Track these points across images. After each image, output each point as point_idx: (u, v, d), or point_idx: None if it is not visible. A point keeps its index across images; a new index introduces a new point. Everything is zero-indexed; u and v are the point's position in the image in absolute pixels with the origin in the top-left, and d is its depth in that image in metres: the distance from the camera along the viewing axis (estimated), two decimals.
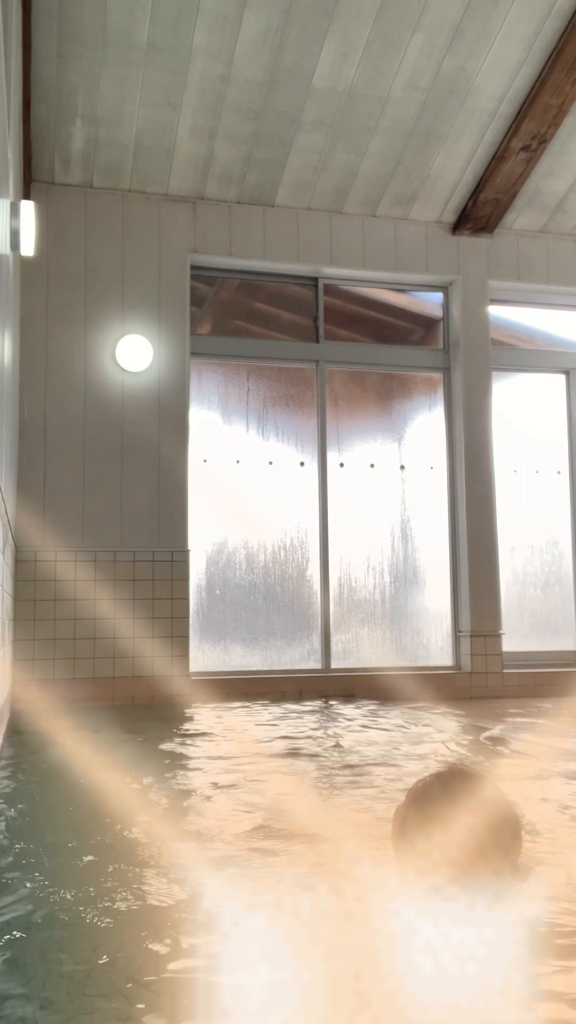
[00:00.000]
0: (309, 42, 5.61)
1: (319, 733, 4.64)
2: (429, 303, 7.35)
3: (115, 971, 1.55)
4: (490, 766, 3.66)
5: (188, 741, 4.41)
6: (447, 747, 4.18)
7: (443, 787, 2.00)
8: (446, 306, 7.24)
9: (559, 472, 7.47)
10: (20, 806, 2.91)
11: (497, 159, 6.47)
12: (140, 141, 6.12)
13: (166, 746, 4.22)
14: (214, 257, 6.67)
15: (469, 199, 6.85)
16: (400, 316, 7.49)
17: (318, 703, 6.00)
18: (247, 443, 6.85)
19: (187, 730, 4.77)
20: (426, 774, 2.12)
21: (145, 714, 5.46)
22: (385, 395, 7.22)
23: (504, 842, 1.96)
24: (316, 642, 6.75)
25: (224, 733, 4.69)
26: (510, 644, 6.99)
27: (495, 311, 7.29)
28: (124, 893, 1.97)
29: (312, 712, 5.54)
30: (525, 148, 6.36)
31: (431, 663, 6.93)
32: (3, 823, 2.67)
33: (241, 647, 6.65)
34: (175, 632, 6.20)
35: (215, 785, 3.24)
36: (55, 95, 5.74)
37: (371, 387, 7.19)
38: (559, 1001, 1.43)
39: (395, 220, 6.98)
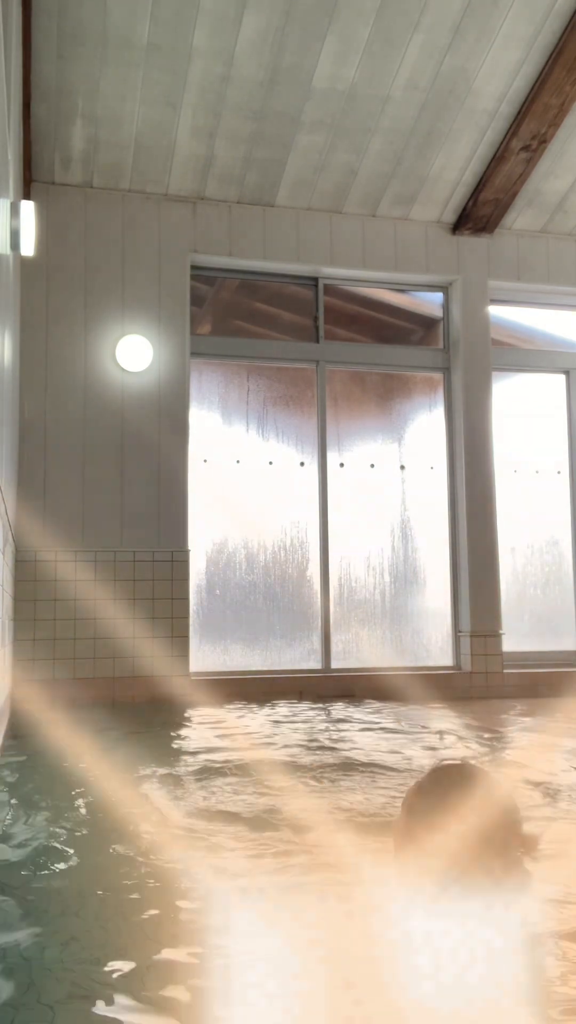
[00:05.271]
0: (309, 42, 5.61)
1: (318, 732, 4.64)
2: (429, 303, 7.35)
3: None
4: (491, 764, 3.66)
5: (188, 741, 4.41)
6: (445, 742, 4.18)
7: (440, 785, 2.00)
8: (446, 306, 7.24)
9: (559, 472, 7.47)
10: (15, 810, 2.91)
11: (497, 159, 6.47)
12: (140, 141, 6.12)
13: (165, 746, 4.22)
14: (214, 257, 6.67)
15: (469, 199, 6.85)
16: (400, 316, 7.49)
17: (318, 703, 5.99)
18: (247, 443, 6.85)
19: (186, 730, 4.76)
20: (423, 774, 2.12)
21: (145, 714, 5.45)
22: (385, 395, 7.22)
23: (501, 840, 1.96)
24: (316, 642, 6.75)
25: (224, 733, 4.68)
26: (510, 644, 6.99)
27: (495, 311, 7.28)
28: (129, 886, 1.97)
29: (312, 712, 5.54)
30: (525, 148, 6.36)
31: (431, 663, 6.93)
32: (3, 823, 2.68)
33: (241, 647, 6.65)
34: (175, 632, 6.20)
35: (214, 785, 3.24)
36: (55, 95, 5.74)
37: (371, 387, 7.19)
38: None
39: (395, 220, 6.98)
